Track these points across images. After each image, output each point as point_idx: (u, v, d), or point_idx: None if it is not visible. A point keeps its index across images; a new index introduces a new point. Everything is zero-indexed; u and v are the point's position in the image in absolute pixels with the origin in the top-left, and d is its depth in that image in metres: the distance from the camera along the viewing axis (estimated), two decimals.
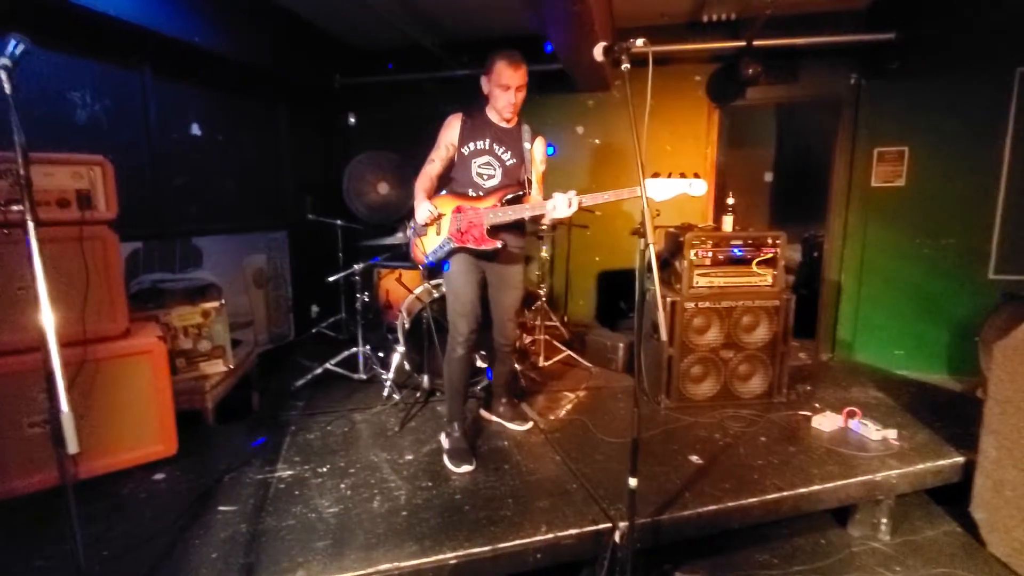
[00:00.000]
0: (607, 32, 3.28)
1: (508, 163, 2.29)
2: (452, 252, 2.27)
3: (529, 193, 2.32)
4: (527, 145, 2.32)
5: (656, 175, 2.01)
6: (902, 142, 3.73)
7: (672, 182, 1.98)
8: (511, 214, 2.20)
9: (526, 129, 2.34)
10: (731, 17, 3.75)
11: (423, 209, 2.22)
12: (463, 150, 2.29)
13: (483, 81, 2.27)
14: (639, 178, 1.54)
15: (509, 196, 2.25)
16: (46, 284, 1.19)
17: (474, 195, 2.29)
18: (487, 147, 2.28)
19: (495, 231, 2.23)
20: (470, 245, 2.23)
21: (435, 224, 2.26)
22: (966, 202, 3.62)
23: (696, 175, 2.02)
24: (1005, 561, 1.98)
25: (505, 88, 2.19)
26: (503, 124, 2.30)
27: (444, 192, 2.34)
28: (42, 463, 1.98)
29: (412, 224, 2.34)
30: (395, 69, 4.52)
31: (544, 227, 3.53)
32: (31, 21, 2.32)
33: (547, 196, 2.19)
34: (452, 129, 2.30)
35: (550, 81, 4.04)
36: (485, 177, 2.29)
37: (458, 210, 2.25)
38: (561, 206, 2.09)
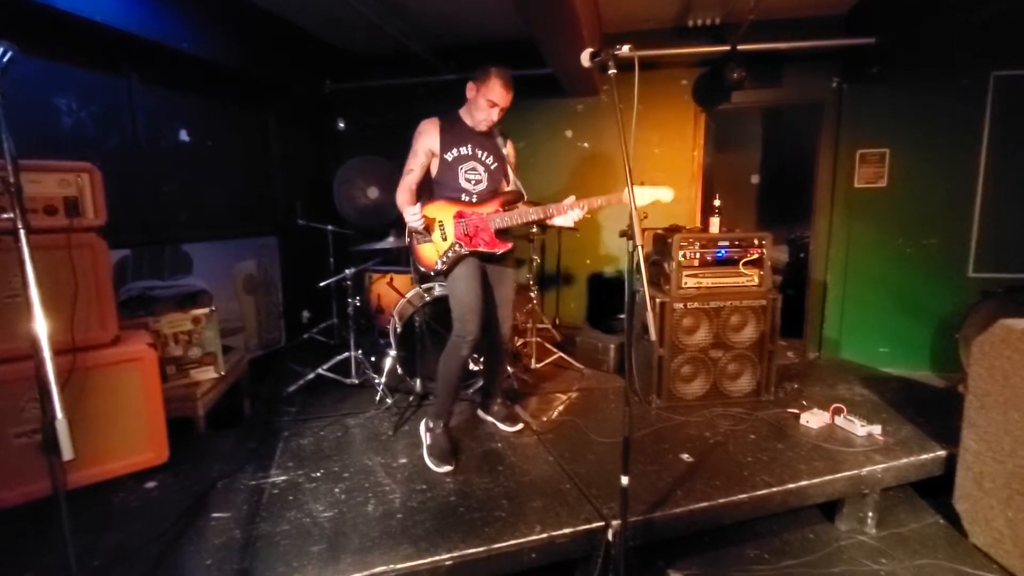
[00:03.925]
0: (594, 37, 3.32)
1: (492, 167, 2.36)
2: (463, 256, 2.28)
3: (523, 198, 2.40)
4: (503, 150, 2.40)
5: (642, 184, 2.10)
6: (883, 144, 3.82)
7: (644, 190, 2.11)
8: (517, 219, 2.27)
9: (497, 133, 2.40)
10: (716, 22, 3.82)
11: (410, 214, 2.18)
12: (446, 156, 2.28)
13: (470, 86, 2.26)
14: (627, 181, 1.57)
15: (507, 201, 2.32)
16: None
17: (467, 200, 2.31)
18: (471, 152, 2.30)
19: (501, 234, 2.31)
20: (482, 248, 2.28)
21: (438, 229, 2.27)
22: (946, 202, 3.72)
23: (663, 185, 2.16)
24: (986, 551, 2.04)
25: (492, 105, 2.22)
26: (479, 129, 2.32)
27: (436, 198, 2.31)
28: (28, 474, 1.94)
29: (412, 232, 2.31)
30: (385, 74, 4.54)
31: (534, 231, 3.57)
32: (15, 27, 2.30)
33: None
34: (430, 136, 2.28)
35: (539, 86, 4.07)
36: (473, 182, 2.32)
37: (460, 215, 2.27)
38: (572, 213, 2.24)
